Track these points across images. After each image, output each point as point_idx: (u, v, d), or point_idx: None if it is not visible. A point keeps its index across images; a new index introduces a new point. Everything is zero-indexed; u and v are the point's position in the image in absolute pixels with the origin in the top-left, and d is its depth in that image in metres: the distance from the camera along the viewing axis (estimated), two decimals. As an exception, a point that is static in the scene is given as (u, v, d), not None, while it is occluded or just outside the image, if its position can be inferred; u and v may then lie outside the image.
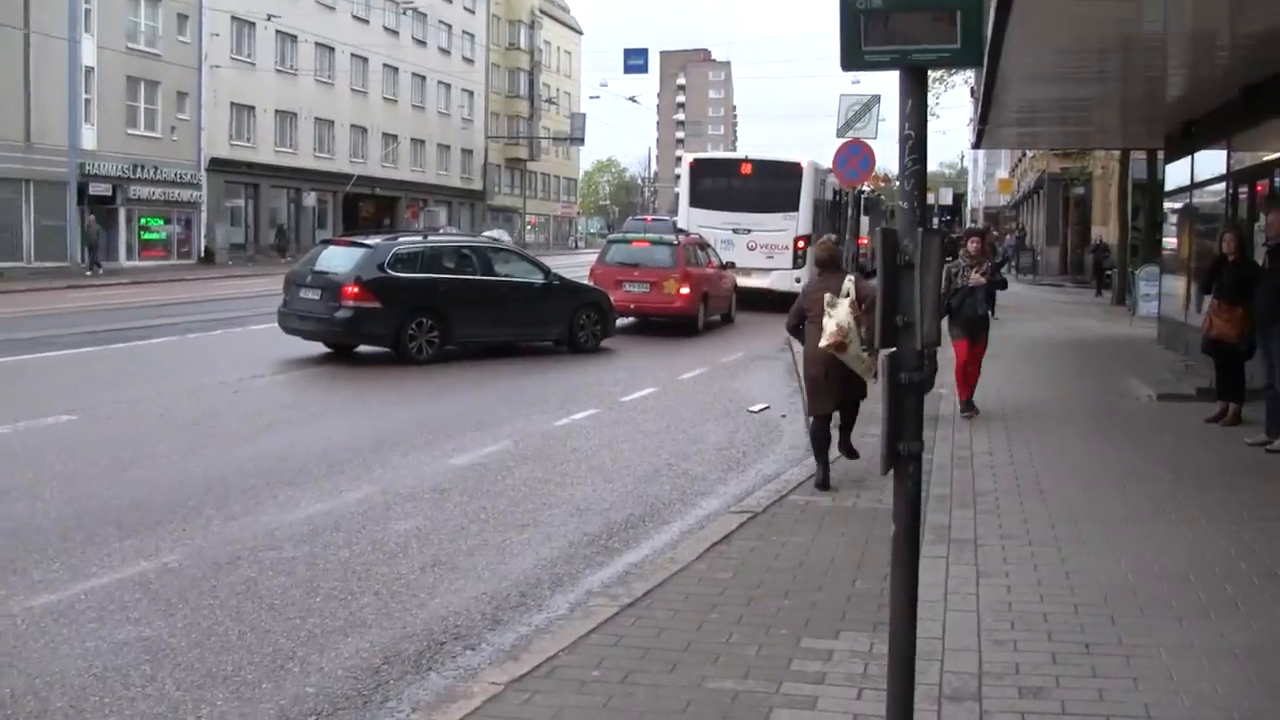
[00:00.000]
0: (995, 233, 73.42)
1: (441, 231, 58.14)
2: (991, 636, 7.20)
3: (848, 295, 10.52)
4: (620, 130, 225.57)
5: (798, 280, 32.72)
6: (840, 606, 7.79)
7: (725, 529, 9.67)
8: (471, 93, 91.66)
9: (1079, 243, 53.97)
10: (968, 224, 79.49)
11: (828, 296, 10.66)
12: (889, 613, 4.92)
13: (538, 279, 22.65)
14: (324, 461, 12.44)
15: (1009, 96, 20.33)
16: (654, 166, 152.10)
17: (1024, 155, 64.10)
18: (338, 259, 21.02)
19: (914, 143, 4.63)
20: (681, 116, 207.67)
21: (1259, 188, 18.00)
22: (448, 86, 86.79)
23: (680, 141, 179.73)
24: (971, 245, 15.84)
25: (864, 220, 49.72)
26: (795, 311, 11.77)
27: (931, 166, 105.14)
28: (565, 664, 6.72)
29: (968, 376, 15.57)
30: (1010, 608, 7.77)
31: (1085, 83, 19.23)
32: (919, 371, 4.66)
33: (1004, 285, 17.64)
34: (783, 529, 9.64)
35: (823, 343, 10.57)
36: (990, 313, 16.23)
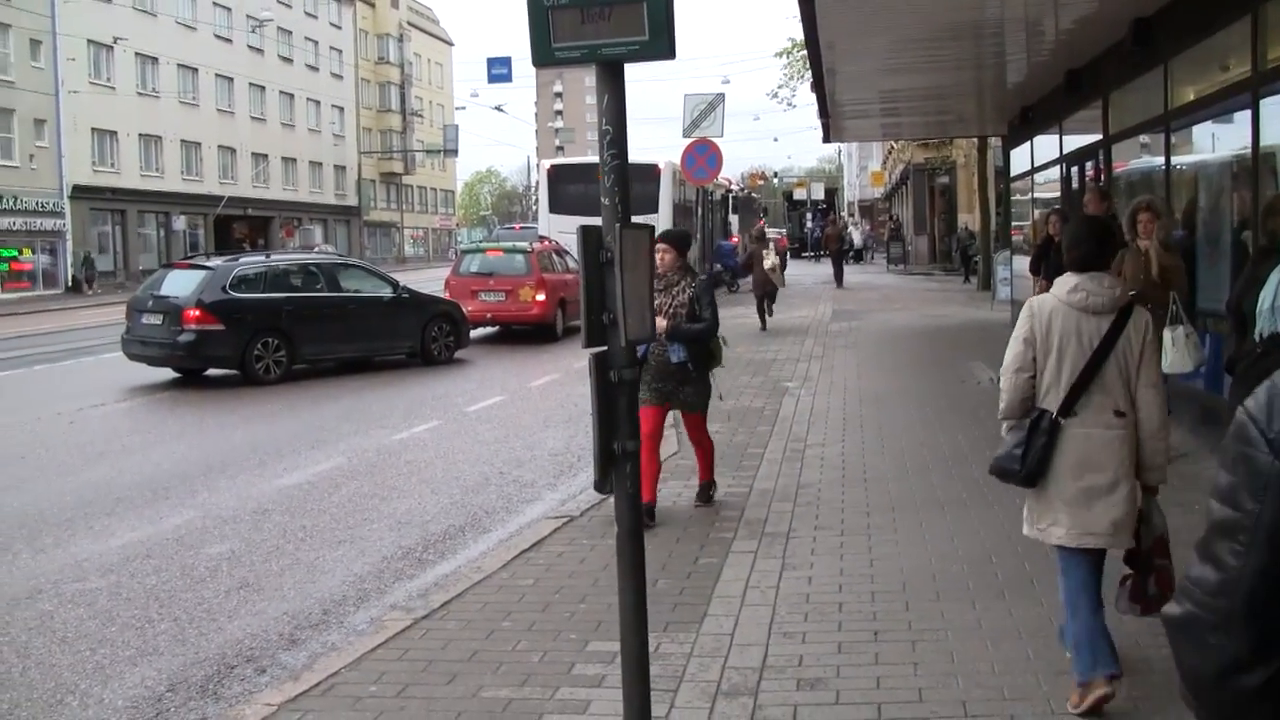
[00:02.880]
0: (852, 219, 73.62)
1: (317, 250, 57.66)
2: (782, 629, 7.21)
3: None
4: (500, 139, 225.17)
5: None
6: (636, 607, 7.75)
7: (538, 535, 9.61)
8: (342, 109, 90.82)
9: (946, 231, 54.57)
10: (842, 216, 79.71)
11: None
12: (619, 615, 4.87)
13: (386, 293, 22.49)
14: (148, 488, 12.21)
15: (844, 90, 20.50)
16: (534, 175, 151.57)
17: (892, 147, 64.77)
18: (179, 282, 20.68)
19: (612, 138, 4.61)
20: (560, 124, 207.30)
21: (1092, 170, 18.32)
22: (317, 103, 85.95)
23: (560, 149, 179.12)
24: (661, 259, 9.88)
25: (733, 219, 50.04)
26: None
27: (810, 163, 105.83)
28: (344, 681, 6.63)
29: (696, 455, 10.90)
30: (808, 599, 7.79)
31: (923, 72, 19.44)
32: (630, 369, 4.63)
33: (704, 334, 10.21)
34: (595, 533, 9.57)
35: None
36: (692, 364, 10.13)
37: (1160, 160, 14.53)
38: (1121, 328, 6.00)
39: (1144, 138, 15.65)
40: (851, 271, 50.00)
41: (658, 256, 9.60)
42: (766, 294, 26.95)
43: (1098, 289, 5.98)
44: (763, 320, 26.78)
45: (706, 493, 10.67)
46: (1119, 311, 6.02)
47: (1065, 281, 6.10)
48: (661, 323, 9.64)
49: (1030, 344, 6.06)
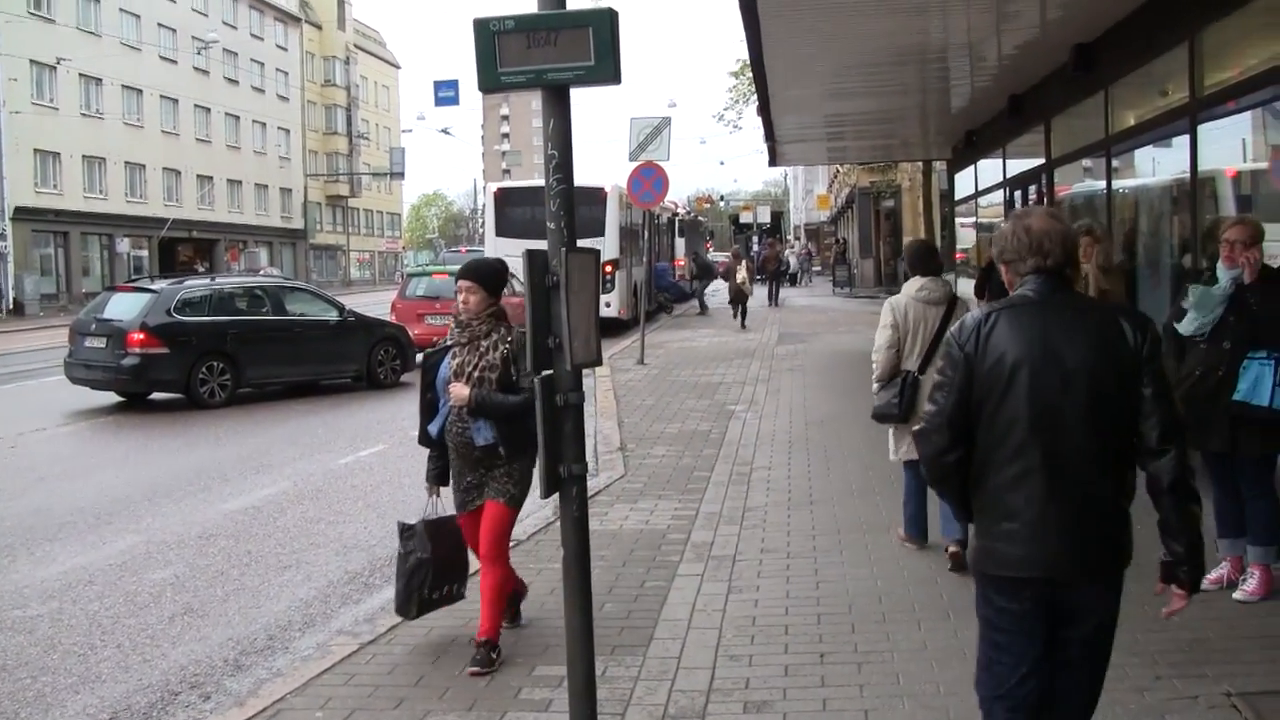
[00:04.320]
0: (799, 241, 73.52)
1: (262, 273, 57.37)
2: (729, 652, 7.21)
3: None
4: (447, 162, 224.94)
5: (607, 305, 32.72)
6: (583, 631, 7.73)
7: (485, 560, 9.58)
8: (288, 131, 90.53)
9: (892, 254, 54.83)
10: (788, 239, 79.94)
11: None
12: (566, 638, 4.87)
13: (332, 316, 22.41)
14: (91, 513, 12.10)
15: (790, 114, 20.62)
16: (480, 198, 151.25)
17: (838, 171, 65.06)
18: (123, 305, 20.53)
19: (558, 163, 4.63)
20: (506, 147, 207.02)
21: (1035, 194, 18.49)
22: (263, 125, 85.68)
23: (506, 172, 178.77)
24: (464, 301, 7.28)
25: (679, 242, 50.17)
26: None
27: (756, 186, 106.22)
28: (290, 707, 6.60)
29: (482, 588, 7.36)
30: (754, 622, 7.80)
31: (868, 96, 19.57)
32: (576, 393, 4.64)
33: (520, 410, 6.88)
34: (542, 556, 9.55)
35: None
36: (504, 447, 7.13)
37: (1102, 184, 14.69)
38: (951, 313, 8.89)
39: (1086, 162, 15.83)
40: (794, 294, 50.29)
41: (460, 298, 7.30)
42: (738, 299, 34.75)
43: (935, 287, 9.05)
44: (741, 319, 34.13)
45: (488, 656, 7.09)
46: (949, 303, 9.03)
47: (914, 283, 9.11)
48: (462, 390, 7.10)
49: (895, 329, 9.02)
